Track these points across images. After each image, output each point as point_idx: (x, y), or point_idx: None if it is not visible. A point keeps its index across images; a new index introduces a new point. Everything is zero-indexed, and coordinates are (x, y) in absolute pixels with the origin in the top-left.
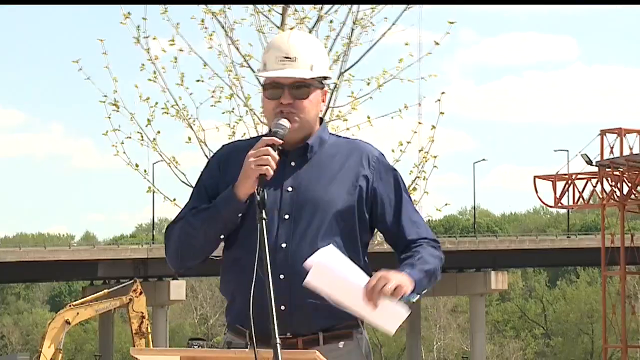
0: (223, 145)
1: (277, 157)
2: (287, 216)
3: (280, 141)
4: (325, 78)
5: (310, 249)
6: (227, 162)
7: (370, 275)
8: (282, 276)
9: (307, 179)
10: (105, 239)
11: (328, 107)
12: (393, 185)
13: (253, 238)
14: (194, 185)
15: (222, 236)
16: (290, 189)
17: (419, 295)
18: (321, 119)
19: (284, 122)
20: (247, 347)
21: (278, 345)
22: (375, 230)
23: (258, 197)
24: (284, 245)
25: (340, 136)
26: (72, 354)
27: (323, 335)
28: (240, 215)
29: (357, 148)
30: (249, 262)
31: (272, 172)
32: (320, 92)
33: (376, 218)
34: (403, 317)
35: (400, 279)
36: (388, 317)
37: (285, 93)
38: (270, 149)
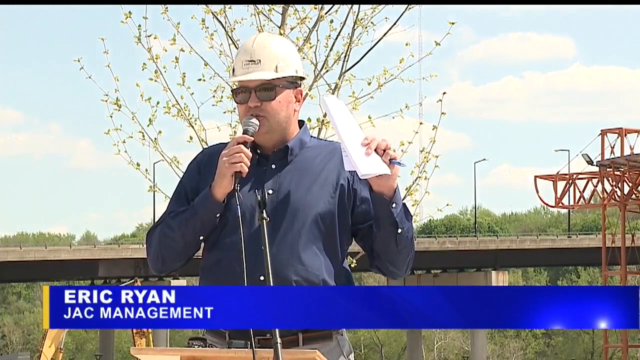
0: (203, 149)
1: (250, 154)
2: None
3: (251, 138)
4: (300, 78)
5: (290, 251)
6: (207, 165)
7: (350, 280)
8: (262, 278)
9: (288, 182)
10: (106, 239)
11: None
12: None
13: (235, 239)
14: (174, 190)
15: (201, 237)
16: (271, 191)
17: (404, 165)
18: (302, 122)
19: (254, 120)
20: (247, 347)
21: (278, 345)
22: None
23: (259, 197)
24: (264, 247)
25: (321, 139)
26: (72, 354)
27: (302, 336)
28: (218, 215)
29: (338, 150)
30: (232, 262)
31: (246, 169)
32: (290, 92)
33: (357, 218)
34: (382, 171)
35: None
36: (370, 164)
37: (252, 96)
38: (242, 146)
